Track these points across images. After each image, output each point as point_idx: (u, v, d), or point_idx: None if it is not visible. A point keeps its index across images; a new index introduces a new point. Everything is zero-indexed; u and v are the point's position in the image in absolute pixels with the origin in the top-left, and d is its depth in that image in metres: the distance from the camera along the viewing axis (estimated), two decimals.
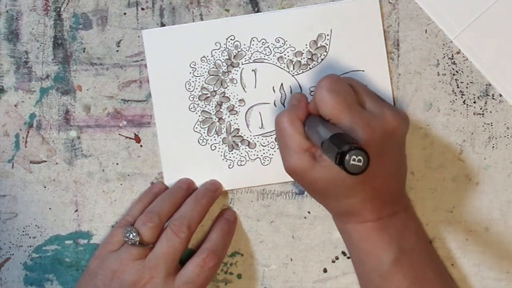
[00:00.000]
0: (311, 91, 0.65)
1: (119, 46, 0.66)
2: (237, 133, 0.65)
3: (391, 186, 0.60)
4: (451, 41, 0.65)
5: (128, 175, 0.66)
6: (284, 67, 0.65)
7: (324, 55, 0.65)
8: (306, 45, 0.65)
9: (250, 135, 0.65)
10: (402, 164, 0.62)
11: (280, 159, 0.65)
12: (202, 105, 0.65)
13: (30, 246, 0.67)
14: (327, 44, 0.65)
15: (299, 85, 0.65)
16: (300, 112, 0.60)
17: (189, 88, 0.65)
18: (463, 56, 0.65)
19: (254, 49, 0.65)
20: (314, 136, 0.57)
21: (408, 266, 0.59)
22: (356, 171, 0.49)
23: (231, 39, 0.65)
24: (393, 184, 0.60)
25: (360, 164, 0.49)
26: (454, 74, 0.65)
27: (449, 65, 0.65)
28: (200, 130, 0.65)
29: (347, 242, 0.62)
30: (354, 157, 0.49)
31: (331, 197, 0.60)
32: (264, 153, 0.65)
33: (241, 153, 0.65)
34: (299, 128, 0.59)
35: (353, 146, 0.49)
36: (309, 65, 0.65)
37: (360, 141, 0.55)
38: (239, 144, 0.65)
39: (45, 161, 0.66)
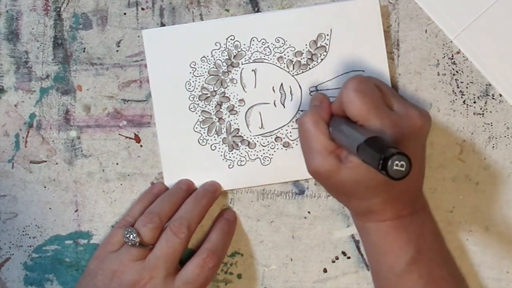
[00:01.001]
0: (311, 91, 0.65)
1: (119, 46, 0.66)
2: (237, 133, 0.65)
3: (413, 185, 0.60)
4: (451, 41, 0.65)
5: (128, 175, 0.66)
6: (284, 67, 0.65)
7: (324, 55, 0.65)
8: (306, 45, 0.65)
9: (250, 135, 0.65)
10: (423, 163, 0.62)
11: (280, 159, 0.65)
12: (202, 105, 0.65)
13: (30, 246, 0.67)
14: (327, 44, 0.65)
15: (299, 85, 0.65)
16: (324, 112, 0.60)
17: (189, 88, 0.65)
18: (463, 56, 0.65)
19: (254, 49, 0.65)
20: (341, 137, 0.57)
21: (424, 266, 0.59)
22: (398, 176, 0.49)
23: (231, 39, 0.65)
24: (415, 183, 0.60)
25: (403, 169, 0.49)
26: (454, 74, 0.65)
27: (449, 65, 0.65)
28: (200, 130, 0.65)
29: (365, 240, 0.61)
30: (397, 162, 0.49)
31: (354, 197, 0.59)
32: (264, 153, 0.65)
33: (241, 153, 0.65)
34: (324, 129, 0.58)
35: (395, 151, 0.49)
36: (309, 65, 0.65)
37: (392, 142, 0.54)
38: (239, 144, 0.65)
39: (45, 161, 0.66)
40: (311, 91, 0.65)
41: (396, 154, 0.49)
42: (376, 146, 0.51)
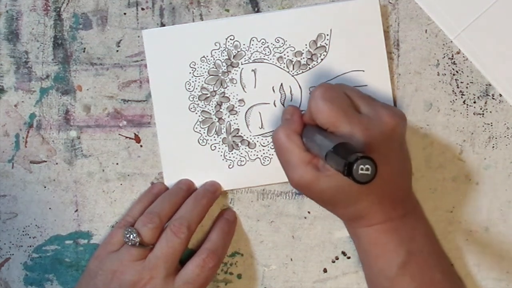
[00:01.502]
0: (311, 91, 0.65)
1: (119, 46, 0.66)
2: (237, 133, 0.65)
3: (397, 185, 0.60)
4: (451, 41, 0.65)
5: (128, 175, 0.66)
6: (284, 67, 0.65)
7: (324, 55, 0.65)
8: (306, 45, 0.65)
9: (250, 135, 0.65)
10: (405, 161, 0.61)
11: None
12: (202, 105, 0.65)
13: (30, 246, 0.67)
14: (327, 44, 0.65)
15: (299, 85, 0.65)
16: (295, 125, 0.60)
17: (189, 88, 0.65)
18: (463, 56, 0.65)
19: (253, 49, 0.65)
20: (314, 147, 0.57)
21: (416, 268, 0.59)
22: (365, 180, 0.49)
23: (231, 39, 0.65)
24: (399, 183, 0.60)
25: (368, 172, 0.49)
26: (454, 74, 0.65)
27: (449, 65, 0.65)
28: (200, 130, 0.65)
29: (358, 245, 0.62)
30: (361, 166, 0.49)
31: (340, 205, 0.59)
32: (264, 153, 0.65)
33: (241, 153, 0.65)
34: (298, 142, 0.59)
35: (359, 156, 0.49)
36: (308, 65, 0.65)
37: (361, 146, 0.55)
38: (239, 144, 0.65)
39: (45, 161, 0.66)
40: (311, 91, 0.65)
41: (360, 158, 0.49)
42: (342, 152, 0.51)
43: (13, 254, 0.67)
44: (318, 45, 0.65)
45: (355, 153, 0.50)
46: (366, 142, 0.55)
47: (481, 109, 0.65)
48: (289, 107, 0.63)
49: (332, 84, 0.60)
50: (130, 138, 0.66)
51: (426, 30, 0.65)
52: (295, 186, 0.59)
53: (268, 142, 0.65)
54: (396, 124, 0.58)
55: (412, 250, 0.59)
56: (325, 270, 0.66)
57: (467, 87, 0.65)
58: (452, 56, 0.65)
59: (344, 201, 0.58)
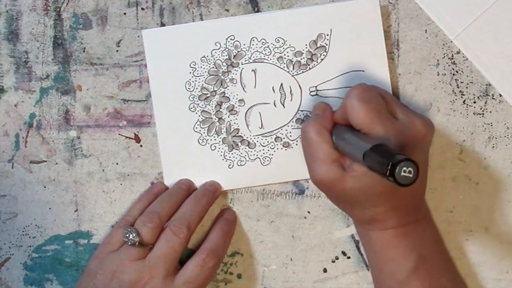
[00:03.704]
0: (311, 91, 0.65)
1: (119, 46, 0.66)
2: (237, 133, 0.65)
3: (415, 193, 0.60)
4: (451, 41, 0.65)
5: (128, 175, 0.66)
6: (284, 67, 0.65)
7: (324, 55, 0.65)
8: (306, 45, 0.65)
9: (250, 135, 0.65)
10: (426, 171, 0.62)
11: (280, 159, 0.65)
12: (202, 105, 0.65)
13: (30, 246, 0.67)
14: (327, 44, 0.65)
15: (299, 85, 0.65)
16: (327, 122, 0.59)
17: (189, 88, 0.65)
18: (463, 56, 0.65)
19: (254, 49, 0.65)
20: (344, 146, 0.57)
21: (425, 273, 0.59)
22: (406, 182, 0.49)
23: (231, 39, 0.65)
24: (418, 191, 0.60)
25: (411, 175, 0.49)
26: (454, 74, 0.65)
27: (449, 65, 0.65)
28: (200, 130, 0.65)
29: (368, 248, 0.61)
30: (405, 168, 0.49)
31: (358, 206, 0.59)
32: (264, 153, 0.65)
33: (241, 153, 0.65)
34: (327, 138, 0.58)
35: (403, 158, 0.49)
36: (309, 65, 0.65)
37: (398, 150, 0.54)
38: (239, 144, 0.65)
39: (45, 161, 0.66)
40: (311, 91, 0.65)
41: (404, 160, 0.49)
42: (382, 153, 0.51)
43: (13, 254, 0.67)
44: (318, 45, 0.65)
45: (397, 154, 0.49)
46: (400, 147, 0.55)
47: (481, 109, 0.65)
48: (320, 103, 0.62)
49: (369, 85, 0.60)
50: (130, 138, 0.66)
51: (426, 30, 0.65)
52: (317, 182, 0.59)
53: (268, 142, 0.65)
54: (427, 133, 0.58)
55: (422, 255, 0.59)
56: (325, 270, 0.66)
57: (467, 87, 0.65)
58: (452, 56, 0.65)
59: (363, 203, 0.58)
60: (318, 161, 0.58)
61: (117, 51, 0.66)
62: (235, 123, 0.65)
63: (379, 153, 0.51)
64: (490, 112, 0.65)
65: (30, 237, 0.67)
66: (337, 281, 0.66)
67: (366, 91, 0.58)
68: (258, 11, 0.65)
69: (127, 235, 0.61)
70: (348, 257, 0.66)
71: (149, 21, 0.65)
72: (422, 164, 0.58)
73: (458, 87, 0.65)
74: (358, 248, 0.66)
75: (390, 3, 0.65)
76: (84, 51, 0.66)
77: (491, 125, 0.65)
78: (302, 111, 0.65)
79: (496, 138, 0.65)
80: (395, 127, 0.56)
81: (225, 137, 0.65)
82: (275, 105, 0.65)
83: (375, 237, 0.59)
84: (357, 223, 0.62)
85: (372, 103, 0.57)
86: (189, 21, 0.65)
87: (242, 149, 0.65)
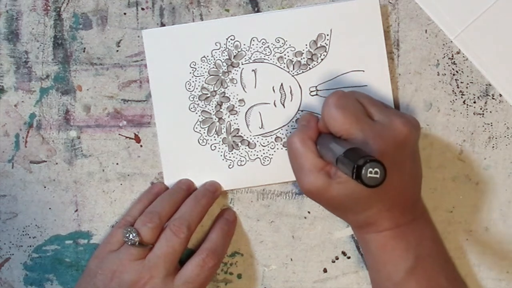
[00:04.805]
0: (311, 91, 0.65)
1: (119, 46, 0.66)
2: (237, 133, 0.65)
3: (407, 193, 0.60)
4: (451, 41, 0.65)
5: (128, 175, 0.66)
6: (284, 67, 0.65)
7: (324, 55, 0.65)
8: (306, 45, 0.65)
9: (250, 135, 0.65)
10: (417, 169, 0.61)
11: (280, 159, 0.65)
12: (202, 105, 0.65)
13: (30, 246, 0.67)
14: (327, 44, 0.65)
15: (299, 85, 0.65)
16: (311, 131, 0.60)
17: (189, 88, 0.65)
18: (463, 56, 0.65)
19: (254, 49, 0.65)
20: (327, 154, 0.57)
21: (422, 274, 0.58)
22: (374, 183, 0.49)
23: (231, 39, 0.65)
24: (410, 191, 0.60)
25: (378, 176, 0.49)
26: (454, 74, 0.65)
27: (449, 65, 0.65)
28: (200, 130, 0.65)
29: (366, 251, 0.61)
30: (370, 169, 0.49)
31: (349, 211, 0.59)
32: (264, 153, 0.65)
33: (241, 153, 0.65)
34: (312, 148, 0.59)
35: (368, 159, 0.49)
36: (309, 65, 0.65)
37: (374, 154, 0.54)
38: (239, 144, 0.65)
39: (45, 161, 0.66)
40: (311, 91, 0.65)
41: (369, 161, 0.49)
42: (352, 156, 0.51)
43: (13, 254, 0.67)
44: (318, 45, 0.65)
45: (364, 156, 0.50)
46: (379, 150, 0.55)
47: (481, 109, 0.65)
48: (305, 114, 0.63)
49: (345, 91, 0.60)
50: (130, 138, 0.66)
51: (426, 30, 0.65)
52: (306, 191, 0.59)
53: (268, 142, 0.65)
54: (409, 132, 0.58)
55: (419, 255, 0.59)
56: (325, 270, 0.66)
57: (467, 87, 0.65)
58: (452, 56, 0.65)
59: (354, 208, 0.58)
60: (305, 170, 0.59)
61: (117, 51, 0.66)
62: (235, 123, 0.65)
63: (349, 157, 0.51)
64: (490, 112, 0.65)
65: (30, 237, 0.67)
66: (337, 281, 0.66)
67: (342, 98, 0.58)
68: (258, 11, 0.65)
69: (127, 235, 0.61)
70: (348, 257, 0.66)
71: (149, 21, 0.65)
72: (408, 164, 0.59)
73: (458, 87, 0.65)
74: (358, 248, 0.66)
75: (390, 3, 0.65)
76: (84, 51, 0.66)
77: (491, 125, 0.65)
78: (302, 111, 0.65)
79: (496, 138, 0.65)
80: (373, 130, 0.57)
81: (225, 137, 0.65)
82: (275, 105, 0.65)
83: (372, 240, 0.60)
84: (354, 228, 0.62)
85: (349, 108, 0.58)
86: (189, 21, 0.65)
87: (242, 149, 0.65)
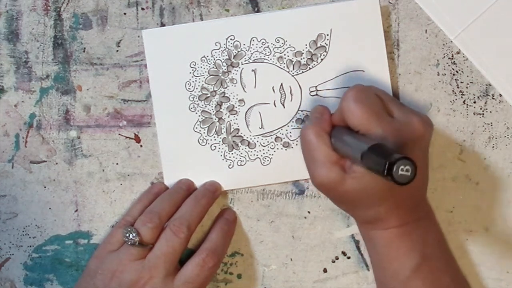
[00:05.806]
0: (311, 91, 0.65)
1: (119, 46, 0.66)
2: (237, 133, 0.65)
3: (416, 192, 0.60)
4: (451, 41, 0.65)
5: (128, 175, 0.66)
6: (284, 67, 0.65)
7: (324, 55, 0.65)
8: (306, 45, 0.65)
9: (250, 135, 0.65)
10: (427, 169, 0.61)
11: (280, 159, 0.65)
12: (202, 105, 0.65)
13: (30, 246, 0.67)
14: (327, 44, 0.65)
15: (299, 85, 0.65)
16: (325, 124, 0.60)
17: (189, 88, 0.65)
18: (463, 56, 0.65)
19: (254, 49, 0.65)
20: (343, 147, 0.57)
21: (428, 272, 0.58)
22: (404, 181, 0.49)
23: (231, 39, 0.65)
24: (419, 190, 0.60)
25: (408, 173, 0.49)
26: (454, 74, 0.65)
27: (449, 65, 0.65)
28: (200, 130, 0.65)
29: (370, 247, 0.61)
30: (402, 167, 0.49)
31: (359, 206, 0.59)
32: (264, 153, 0.65)
33: (241, 153, 0.65)
34: (326, 140, 0.58)
35: (400, 156, 0.49)
36: (309, 65, 0.65)
37: (396, 149, 0.54)
38: (239, 144, 0.65)
39: (45, 161, 0.66)
40: (311, 91, 0.65)
41: (401, 159, 0.49)
42: (380, 152, 0.51)
43: (13, 254, 0.67)
44: (318, 45, 0.65)
45: (394, 153, 0.50)
46: (397, 146, 0.55)
47: (481, 109, 0.65)
48: (318, 106, 0.62)
49: (365, 86, 0.60)
50: (130, 138, 0.66)
51: (426, 30, 0.65)
52: (318, 184, 0.59)
53: (268, 142, 0.65)
54: (425, 131, 0.58)
55: (425, 254, 0.58)
56: (325, 270, 0.66)
57: (467, 87, 0.65)
58: (452, 56, 0.65)
59: (365, 203, 0.58)
60: (318, 163, 0.58)
61: (117, 51, 0.66)
62: (235, 123, 0.65)
63: (376, 153, 0.51)
64: (490, 112, 0.65)
65: (30, 237, 0.67)
66: (337, 281, 0.66)
67: (362, 92, 0.58)
68: (258, 11, 0.65)
69: (127, 235, 0.61)
70: (348, 257, 0.66)
71: (149, 21, 0.65)
72: (421, 162, 0.59)
73: (458, 87, 0.65)
74: (358, 248, 0.66)
75: (390, 3, 0.65)
76: (84, 51, 0.66)
77: (491, 125, 0.65)
78: (302, 111, 0.65)
79: (496, 138, 0.65)
80: (392, 126, 0.56)
81: (225, 137, 0.65)
82: (275, 105, 0.65)
83: (377, 237, 0.59)
84: (360, 224, 0.62)
85: (368, 103, 0.57)
86: (189, 21, 0.65)
87: (242, 149, 0.65)
